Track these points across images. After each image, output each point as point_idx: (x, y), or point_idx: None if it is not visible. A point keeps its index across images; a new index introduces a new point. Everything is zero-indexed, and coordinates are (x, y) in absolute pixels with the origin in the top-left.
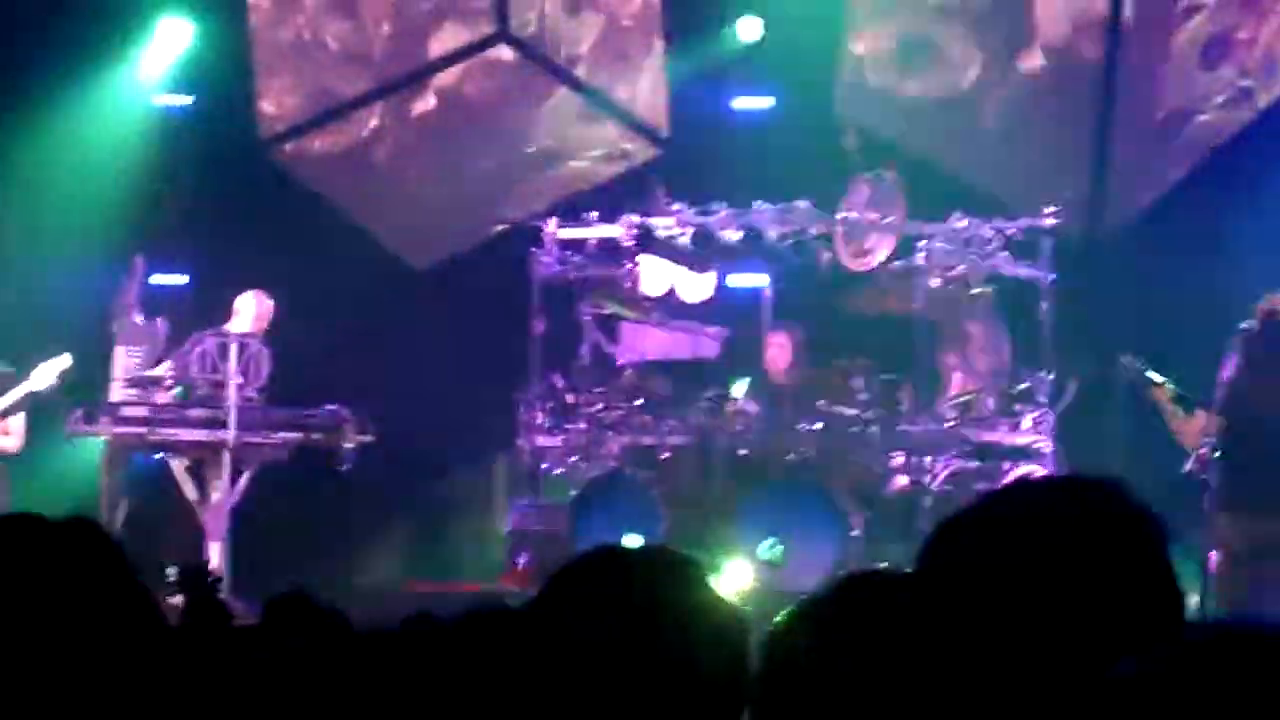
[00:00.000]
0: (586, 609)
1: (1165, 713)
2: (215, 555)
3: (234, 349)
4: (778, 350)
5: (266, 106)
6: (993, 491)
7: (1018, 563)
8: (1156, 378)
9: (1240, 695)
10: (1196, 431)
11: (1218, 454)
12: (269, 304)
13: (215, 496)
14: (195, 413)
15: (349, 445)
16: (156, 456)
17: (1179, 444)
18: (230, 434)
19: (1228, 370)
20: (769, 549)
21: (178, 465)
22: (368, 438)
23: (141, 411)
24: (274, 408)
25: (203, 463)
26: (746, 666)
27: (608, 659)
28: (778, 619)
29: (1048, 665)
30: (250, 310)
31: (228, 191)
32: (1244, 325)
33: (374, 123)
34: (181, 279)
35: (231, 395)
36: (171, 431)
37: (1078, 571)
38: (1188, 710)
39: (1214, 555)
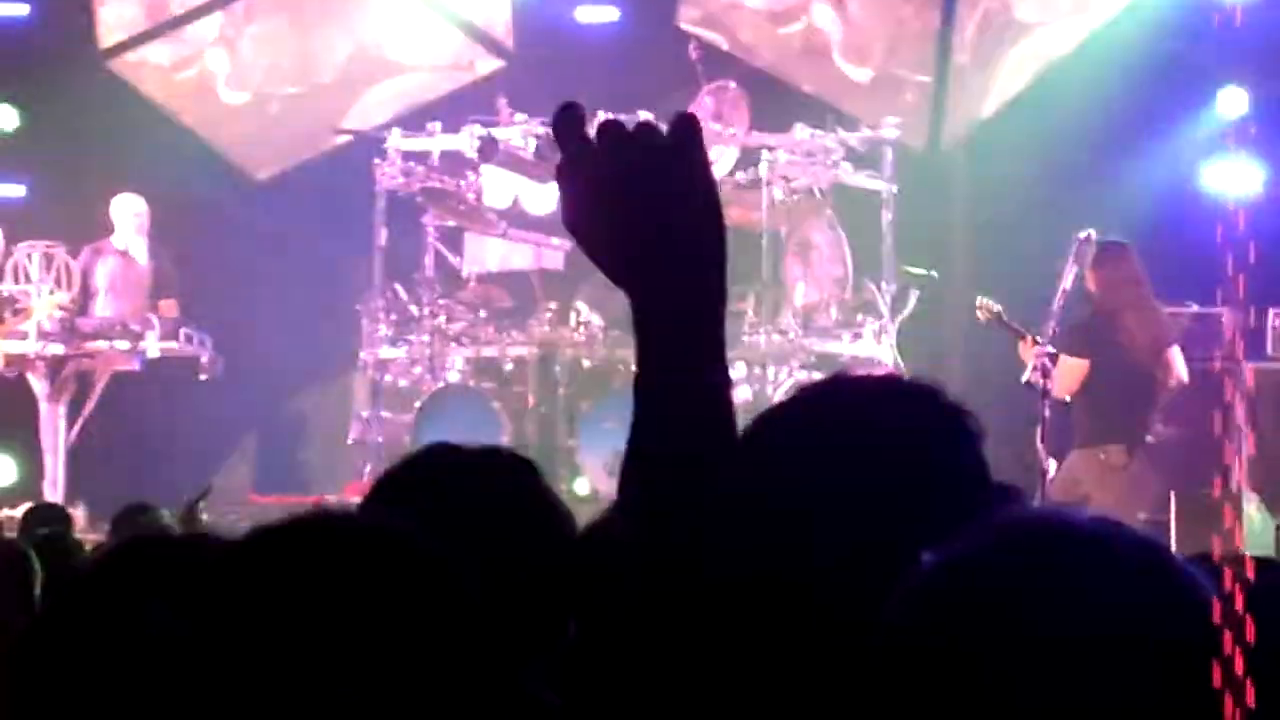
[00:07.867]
0: (416, 504)
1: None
2: (51, 467)
3: (38, 259)
4: None
5: (105, 16)
6: (806, 386)
7: (825, 454)
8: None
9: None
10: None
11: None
12: (143, 204)
13: (56, 409)
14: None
15: (205, 359)
16: None
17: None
18: (40, 346)
19: (1067, 279)
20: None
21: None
22: (174, 344)
23: None
24: (84, 318)
25: (46, 376)
26: (576, 564)
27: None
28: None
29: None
30: (128, 211)
31: (67, 102)
32: (1081, 235)
33: (214, 33)
34: (19, 189)
35: (41, 309)
36: None
37: (885, 464)
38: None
39: (1052, 463)
